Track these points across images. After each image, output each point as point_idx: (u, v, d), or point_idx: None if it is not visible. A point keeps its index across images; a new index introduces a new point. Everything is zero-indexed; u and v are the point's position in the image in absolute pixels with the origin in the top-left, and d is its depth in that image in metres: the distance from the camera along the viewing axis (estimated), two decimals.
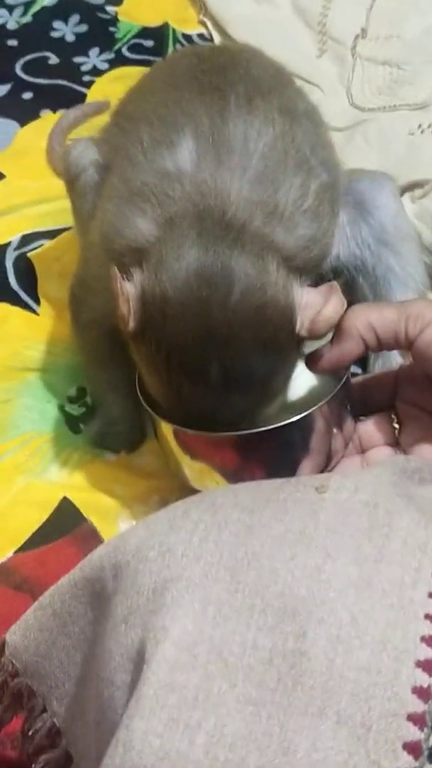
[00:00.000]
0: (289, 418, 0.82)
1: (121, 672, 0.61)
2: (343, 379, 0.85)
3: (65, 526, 0.94)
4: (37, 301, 1.12)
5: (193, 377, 0.79)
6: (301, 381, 0.88)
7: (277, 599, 0.60)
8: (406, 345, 0.81)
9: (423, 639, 0.58)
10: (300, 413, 0.82)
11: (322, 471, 0.84)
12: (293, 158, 0.87)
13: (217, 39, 1.42)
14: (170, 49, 1.42)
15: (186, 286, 0.78)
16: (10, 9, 1.49)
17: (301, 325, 0.80)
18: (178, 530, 0.64)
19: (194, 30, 1.45)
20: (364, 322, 0.81)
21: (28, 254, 1.17)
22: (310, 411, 0.82)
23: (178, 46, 1.42)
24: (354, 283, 1.00)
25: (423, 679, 0.57)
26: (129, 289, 0.80)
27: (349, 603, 0.59)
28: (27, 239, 1.18)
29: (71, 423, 1.02)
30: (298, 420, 0.82)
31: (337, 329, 0.82)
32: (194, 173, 0.84)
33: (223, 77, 0.92)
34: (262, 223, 0.82)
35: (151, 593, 0.62)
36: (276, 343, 0.79)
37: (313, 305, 0.80)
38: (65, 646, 0.69)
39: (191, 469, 0.86)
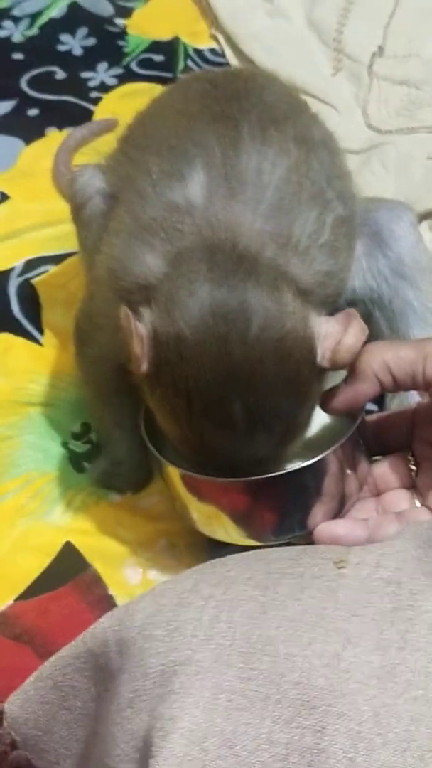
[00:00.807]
0: (301, 462, 0.79)
1: (125, 761, 0.58)
2: (358, 421, 0.82)
3: (68, 572, 0.90)
4: (41, 331, 1.09)
5: (215, 419, 0.75)
6: (315, 420, 0.84)
7: (293, 689, 0.56)
8: (424, 386, 0.79)
9: None
10: (313, 456, 0.79)
11: (335, 516, 0.82)
12: (308, 190, 0.84)
13: (230, 54, 1.38)
14: (181, 64, 1.38)
15: (201, 323, 0.75)
16: (16, 21, 1.45)
17: (323, 356, 0.77)
18: (187, 607, 0.61)
19: (206, 45, 1.41)
20: (380, 362, 0.78)
21: (33, 281, 1.13)
22: (323, 455, 0.79)
23: (189, 61, 1.38)
24: (370, 317, 0.96)
25: None
26: (141, 329, 0.76)
27: (370, 696, 0.56)
28: (31, 264, 1.15)
29: (75, 461, 0.98)
30: (311, 464, 0.79)
31: (352, 369, 0.79)
32: (205, 207, 0.81)
33: (236, 105, 0.88)
34: (275, 255, 0.79)
35: (159, 676, 0.58)
36: (299, 376, 0.76)
37: (334, 334, 0.77)
38: (66, 721, 0.66)
39: (199, 512, 0.83)
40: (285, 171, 0.83)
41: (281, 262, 0.79)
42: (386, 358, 0.78)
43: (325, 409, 0.81)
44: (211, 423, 0.76)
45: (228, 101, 0.89)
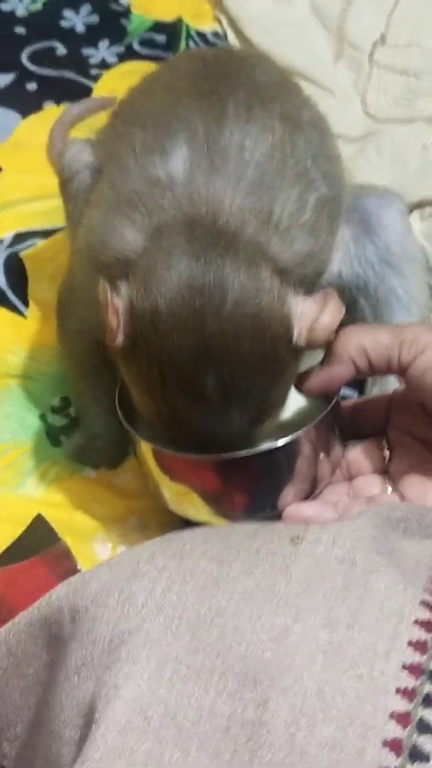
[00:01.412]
0: (273, 442, 0.78)
1: (70, 727, 0.57)
2: (332, 403, 0.81)
3: (38, 544, 0.90)
4: (26, 304, 1.08)
5: (189, 393, 0.75)
6: (290, 401, 0.84)
7: (239, 662, 0.56)
8: (399, 371, 0.78)
9: (392, 716, 0.54)
10: (286, 436, 0.79)
11: (306, 497, 0.81)
12: (292, 169, 0.83)
13: (232, 37, 1.38)
14: (182, 45, 1.37)
15: (178, 296, 0.74)
16: None
17: (299, 334, 0.76)
18: (141, 577, 0.60)
19: (208, 27, 1.40)
20: (356, 345, 0.78)
21: (21, 253, 1.12)
22: (295, 435, 0.79)
23: (191, 42, 1.38)
24: (355, 304, 0.96)
25: (389, 760, 0.53)
26: (117, 302, 0.76)
27: (315, 671, 0.55)
28: (20, 237, 1.14)
29: (52, 435, 0.98)
30: (283, 444, 0.78)
31: (328, 351, 0.79)
32: (186, 181, 0.80)
33: (224, 83, 0.88)
34: (255, 232, 0.79)
35: (106, 644, 0.58)
36: (274, 353, 0.76)
37: (310, 313, 0.77)
38: (19, 687, 0.65)
39: (171, 490, 0.83)
40: (268, 148, 0.83)
41: (261, 239, 0.79)
42: (363, 342, 0.78)
43: (300, 389, 0.81)
44: (184, 396, 0.75)
45: (217, 79, 0.89)
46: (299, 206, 0.82)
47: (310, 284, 0.84)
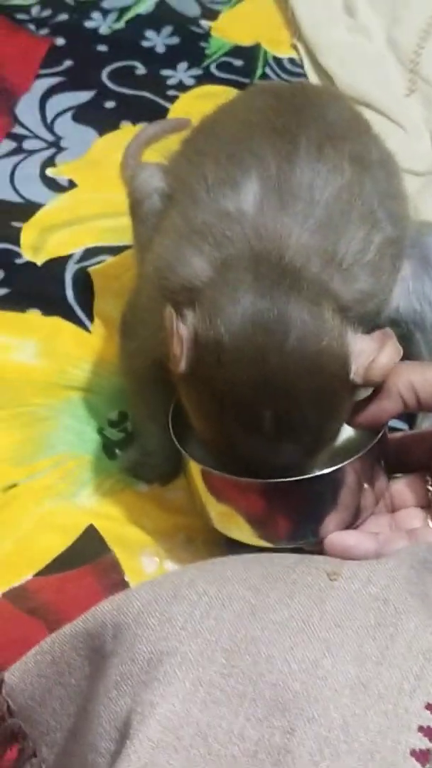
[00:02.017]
0: (319, 470, 0.81)
1: (106, 739, 0.60)
2: (378, 436, 0.83)
3: (88, 554, 0.93)
4: (91, 318, 1.11)
5: (246, 425, 0.78)
6: (341, 432, 0.86)
7: (269, 690, 0.59)
8: None
9: (413, 753, 0.56)
10: (332, 465, 0.81)
11: (348, 527, 0.83)
12: (358, 210, 0.86)
13: (308, 66, 1.40)
14: (259, 71, 1.40)
15: (242, 331, 0.77)
16: (105, 14, 1.48)
17: (356, 372, 0.79)
18: (182, 600, 0.63)
19: (286, 54, 1.43)
20: (406, 382, 0.80)
21: (89, 269, 1.16)
22: (341, 465, 0.81)
23: (267, 69, 1.40)
24: (411, 338, 0.98)
25: None
26: (182, 331, 0.79)
27: (342, 704, 0.58)
28: (89, 253, 1.18)
29: (108, 448, 1.01)
30: (328, 473, 0.81)
31: (378, 386, 0.81)
32: (255, 216, 0.83)
33: (297, 120, 0.91)
34: (319, 270, 0.81)
35: (145, 663, 0.61)
36: (331, 390, 0.78)
37: (368, 352, 0.79)
38: (60, 696, 0.68)
39: (216, 510, 0.85)
40: (337, 189, 0.85)
41: (324, 278, 0.81)
42: (412, 379, 0.80)
43: (348, 422, 0.83)
44: (241, 427, 0.78)
45: (289, 115, 0.91)
46: (363, 246, 0.85)
47: (369, 321, 0.86)
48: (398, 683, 0.59)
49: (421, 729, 0.57)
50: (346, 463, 0.81)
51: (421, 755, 0.56)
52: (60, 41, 1.44)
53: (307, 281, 0.80)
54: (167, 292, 0.85)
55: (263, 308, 0.77)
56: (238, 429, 0.78)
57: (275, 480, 0.80)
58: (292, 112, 0.92)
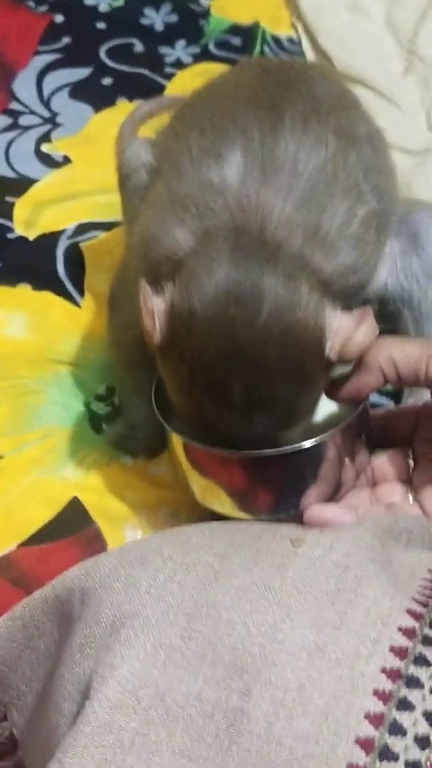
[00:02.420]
0: (299, 443, 0.81)
1: (68, 701, 0.61)
2: (359, 409, 0.84)
3: (71, 526, 0.93)
4: (82, 293, 1.12)
5: (215, 395, 0.78)
6: (322, 405, 0.86)
7: (228, 653, 0.59)
8: (426, 383, 0.80)
9: (366, 716, 0.57)
10: (313, 438, 0.81)
11: (329, 500, 0.83)
12: (343, 182, 0.86)
13: (306, 45, 1.40)
14: (257, 50, 1.40)
15: (214, 302, 0.77)
16: None
17: (331, 348, 0.79)
18: (147, 565, 0.64)
19: (285, 33, 1.43)
20: (386, 356, 0.80)
21: (81, 244, 1.16)
22: (320, 438, 0.81)
23: (265, 47, 1.41)
24: (399, 315, 0.98)
25: (359, 757, 0.55)
26: (157, 303, 0.80)
27: (299, 668, 0.58)
28: (82, 228, 1.18)
29: (95, 422, 1.02)
30: (308, 447, 0.81)
31: (359, 360, 0.81)
32: (238, 188, 0.83)
33: (283, 94, 0.90)
34: (300, 245, 0.81)
35: (108, 626, 0.62)
36: (303, 365, 0.78)
37: (345, 329, 0.79)
38: (30, 660, 0.69)
39: (198, 484, 0.85)
40: (321, 161, 0.85)
41: (306, 251, 0.81)
42: (393, 354, 0.80)
43: (329, 396, 0.84)
44: (210, 399, 0.78)
45: (276, 89, 0.91)
46: (347, 219, 0.84)
47: (352, 295, 0.86)
48: (355, 648, 0.59)
49: (376, 693, 0.58)
50: (325, 435, 0.81)
51: (374, 718, 0.57)
52: (59, 18, 1.44)
53: (286, 255, 0.80)
54: (151, 262, 0.85)
55: (237, 280, 0.77)
56: (207, 400, 0.78)
57: (255, 452, 0.80)
58: (279, 86, 0.92)
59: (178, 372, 0.80)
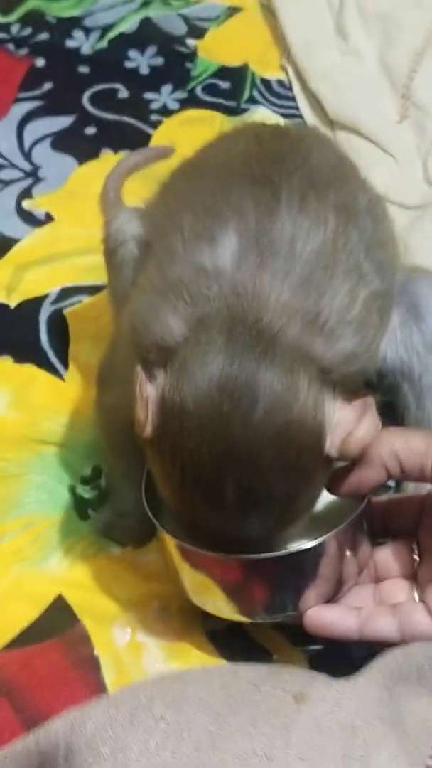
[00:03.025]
0: (299, 543, 0.78)
1: None
2: (362, 505, 0.80)
3: (56, 626, 0.89)
4: (66, 365, 1.07)
5: (207, 495, 0.74)
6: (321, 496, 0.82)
7: None
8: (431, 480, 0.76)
9: None
10: (313, 534, 0.78)
11: (330, 599, 0.80)
12: (343, 263, 0.81)
13: (297, 89, 1.35)
14: (246, 94, 1.35)
15: (207, 398, 0.73)
16: (87, 32, 1.43)
17: (331, 444, 0.75)
18: (137, 726, 0.59)
19: (274, 75, 1.38)
20: (389, 450, 0.77)
21: (65, 310, 1.11)
22: (321, 540, 0.78)
23: (254, 91, 1.35)
24: (398, 389, 0.94)
25: None
26: (150, 393, 0.76)
27: None
28: (66, 293, 1.13)
29: (80, 507, 0.97)
30: (308, 548, 0.78)
31: (360, 454, 0.77)
32: (233, 273, 0.79)
33: (278, 168, 0.86)
34: (299, 332, 0.77)
35: None
36: (301, 464, 0.74)
37: (346, 424, 0.75)
38: None
39: (190, 584, 0.82)
40: (320, 243, 0.81)
41: (305, 339, 0.77)
42: (396, 447, 0.77)
43: (329, 491, 0.80)
44: (202, 498, 0.74)
45: (270, 163, 0.87)
46: (348, 302, 0.80)
47: (354, 382, 0.82)
48: None
49: None
50: (327, 536, 0.78)
51: None
52: (40, 62, 1.40)
53: (284, 345, 0.76)
54: (141, 350, 0.81)
55: (231, 374, 0.73)
56: (199, 500, 0.74)
57: (253, 556, 0.76)
58: (273, 159, 0.88)
59: (168, 468, 0.76)
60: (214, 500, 0.74)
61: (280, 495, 0.74)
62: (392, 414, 0.94)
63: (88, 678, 0.85)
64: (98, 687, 0.83)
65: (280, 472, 0.73)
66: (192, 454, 0.73)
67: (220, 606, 0.81)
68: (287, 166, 0.86)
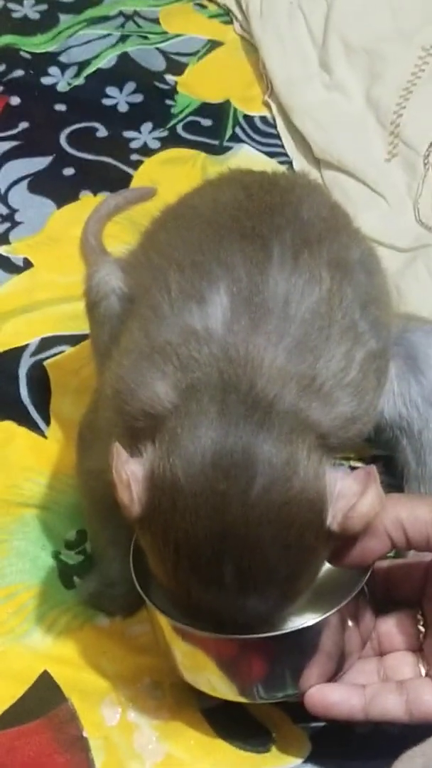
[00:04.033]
0: (299, 620, 0.75)
1: None
2: (365, 578, 0.77)
3: (42, 705, 0.84)
4: (47, 421, 1.03)
5: (203, 577, 0.70)
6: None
7: None
8: None
9: None
10: (313, 608, 0.75)
11: (332, 676, 0.77)
12: (339, 324, 0.78)
13: (281, 126, 1.31)
14: (228, 132, 1.31)
15: (201, 475, 0.69)
16: (63, 69, 1.39)
17: (333, 519, 0.71)
18: None
19: (257, 112, 1.34)
20: (393, 519, 0.74)
21: (45, 362, 1.07)
22: (325, 616, 0.74)
23: (237, 129, 1.31)
24: (397, 444, 0.91)
25: None
26: (136, 469, 0.72)
27: None
28: (46, 343, 1.09)
29: (65, 575, 0.93)
30: (310, 626, 0.74)
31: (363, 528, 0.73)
32: (224, 336, 0.75)
33: (269, 222, 0.82)
34: (295, 398, 0.73)
35: None
36: (301, 542, 0.70)
37: (348, 496, 0.71)
38: None
39: (184, 657, 0.78)
40: (314, 302, 0.77)
41: (301, 405, 0.73)
42: (401, 516, 0.74)
43: (330, 563, 0.76)
44: (198, 580, 0.71)
45: (260, 216, 0.83)
46: (345, 365, 0.77)
47: (353, 445, 0.80)
48: None
49: None
50: (329, 613, 0.74)
51: None
52: (15, 100, 1.35)
53: (280, 414, 0.72)
54: (127, 417, 0.77)
55: (227, 449, 0.69)
56: (195, 582, 0.71)
57: (250, 636, 0.73)
58: (263, 212, 0.84)
59: (160, 547, 0.72)
60: (211, 582, 0.70)
61: (280, 575, 0.71)
62: (392, 470, 0.90)
63: (76, 761, 0.81)
64: None
65: (281, 552, 0.70)
66: (187, 534, 0.69)
67: (216, 685, 0.77)
68: (278, 219, 0.82)
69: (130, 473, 0.72)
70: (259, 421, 0.71)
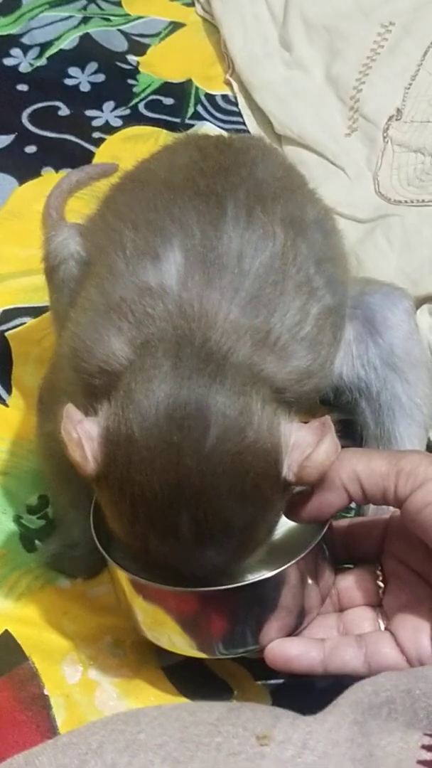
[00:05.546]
0: (257, 574, 0.74)
1: None
2: (322, 533, 0.76)
3: (2, 665, 0.84)
4: (9, 389, 1.03)
5: (160, 530, 0.70)
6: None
7: None
8: (395, 503, 0.73)
9: None
10: (272, 564, 0.74)
11: (293, 630, 0.77)
12: (293, 279, 0.78)
13: (242, 103, 1.32)
14: (190, 110, 1.32)
15: (155, 428, 0.70)
16: (26, 50, 1.39)
17: (288, 469, 0.72)
18: None
19: (219, 90, 1.35)
20: (350, 472, 0.74)
21: (7, 333, 1.07)
22: (282, 568, 0.74)
23: (199, 107, 1.32)
24: (356, 406, 0.91)
25: None
26: (90, 427, 0.72)
27: None
28: (8, 315, 1.09)
29: (26, 539, 0.93)
30: (267, 578, 0.74)
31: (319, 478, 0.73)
32: (179, 292, 0.75)
33: (223, 180, 0.83)
34: (249, 352, 0.74)
35: None
36: (257, 492, 0.71)
37: (303, 446, 0.72)
38: None
39: (145, 614, 0.78)
40: (268, 257, 0.77)
41: (256, 359, 0.74)
42: (357, 469, 0.74)
43: (289, 516, 0.76)
44: (155, 533, 0.71)
45: (215, 175, 0.84)
46: (300, 319, 0.77)
47: (308, 400, 0.79)
48: None
49: None
50: (287, 566, 0.74)
51: None
52: None
53: (234, 366, 0.72)
54: (84, 374, 0.77)
55: (180, 401, 0.70)
56: (152, 534, 0.71)
57: (208, 589, 0.73)
58: (218, 171, 0.84)
59: (117, 503, 0.72)
60: (168, 534, 0.70)
61: (237, 526, 0.71)
62: (351, 432, 0.90)
63: (37, 719, 0.80)
64: (48, 728, 0.79)
65: (237, 502, 0.70)
66: (143, 487, 0.69)
67: (176, 641, 0.77)
68: (232, 178, 0.83)
69: (83, 432, 0.72)
70: (212, 374, 0.71)
